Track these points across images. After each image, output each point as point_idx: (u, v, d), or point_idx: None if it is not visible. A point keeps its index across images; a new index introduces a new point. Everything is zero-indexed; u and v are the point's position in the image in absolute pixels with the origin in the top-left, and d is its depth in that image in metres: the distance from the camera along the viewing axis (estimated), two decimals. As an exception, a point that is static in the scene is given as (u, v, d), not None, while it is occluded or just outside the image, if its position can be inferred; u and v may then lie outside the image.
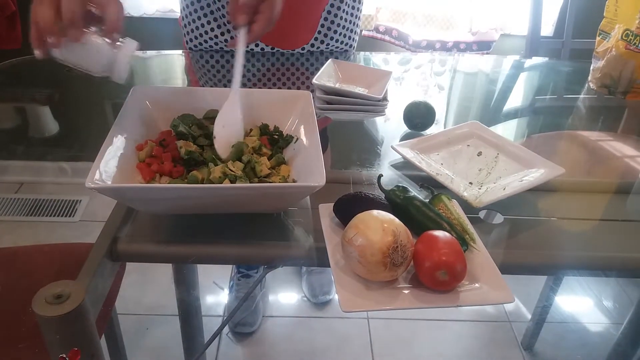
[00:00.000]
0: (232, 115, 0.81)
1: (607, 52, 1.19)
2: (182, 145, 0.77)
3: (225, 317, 1.71)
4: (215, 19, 1.22)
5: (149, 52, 1.41)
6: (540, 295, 1.62)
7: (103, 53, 0.75)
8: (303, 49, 1.28)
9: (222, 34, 1.23)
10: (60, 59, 0.75)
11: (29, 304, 0.56)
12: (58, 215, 2.04)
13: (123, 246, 0.71)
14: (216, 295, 1.78)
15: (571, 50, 1.76)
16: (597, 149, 1.06)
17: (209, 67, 1.26)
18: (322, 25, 1.25)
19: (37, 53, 0.73)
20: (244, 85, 1.14)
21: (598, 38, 1.23)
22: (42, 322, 0.56)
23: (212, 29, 1.23)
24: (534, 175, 0.83)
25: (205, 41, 1.26)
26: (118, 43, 0.75)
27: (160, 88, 0.91)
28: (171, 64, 1.39)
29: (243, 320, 1.65)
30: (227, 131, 0.80)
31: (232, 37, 1.23)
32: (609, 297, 1.87)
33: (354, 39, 1.35)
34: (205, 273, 1.80)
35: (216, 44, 1.26)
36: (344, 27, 1.28)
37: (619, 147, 1.06)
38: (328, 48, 1.30)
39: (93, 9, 0.72)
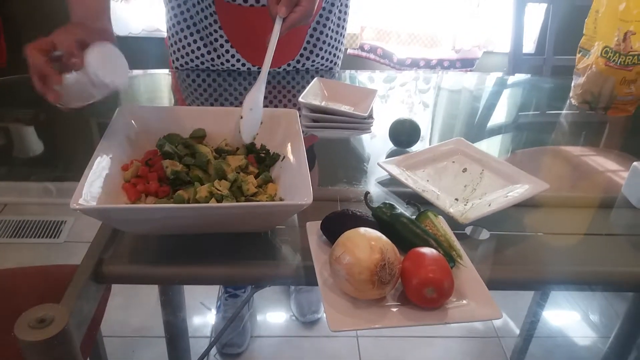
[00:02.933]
0: (258, 100, 0.84)
1: (588, 69, 1.21)
2: (168, 164, 0.77)
3: (212, 338, 1.69)
4: (201, 38, 1.22)
5: (135, 72, 1.41)
6: (528, 310, 1.62)
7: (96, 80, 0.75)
8: (289, 65, 1.28)
9: (209, 52, 1.24)
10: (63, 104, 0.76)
11: (12, 328, 0.55)
12: (43, 237, 2.02)
13: (108, 268, 0.70)
14: (203, 316, 1.75)
15: (552, 66, 1.79)
16: (580, 164, 1.07)
17: (195, 86, 1.26)
18: (308, 42, 1.26)
19: (51, 100, 0.74)
20: (230, 104, 1.15)
21: (578, 55, 1.25)
22: (24, 347, 0.55)
23: (198, 48, 1.24)
24: (519, 191, 0.84)
25: (192, 60, 1.26)
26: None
27: (146, 107, 0.91)
28: (157, 83, 1.39)
29: (231, 341, 1.63)
30: (253, 114, 0.82)
31: (218, 57, 1.23)
32: (596, 311, 1.88)
33: (338, 56, 1.36)
34: (192, 293, 1.78)
35: (202, 63, 1.26)
36: (329, 44, 1.30)
37: (602, 162, 1.08)
38: (313, 66, 1.31)
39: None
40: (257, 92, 0.84)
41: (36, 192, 1.88)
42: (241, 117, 0.83)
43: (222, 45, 1.21)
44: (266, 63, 0.86)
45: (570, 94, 1.29)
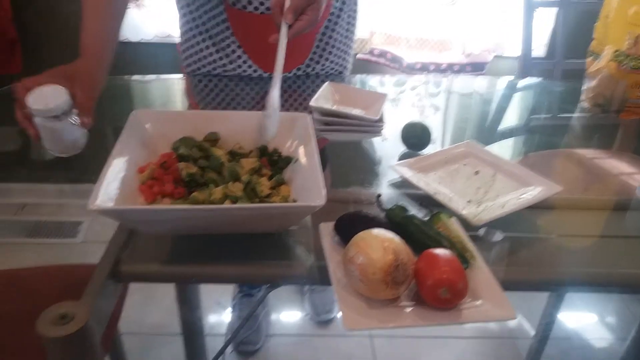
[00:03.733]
0: (278, 99, 0.87)
1: (599, 73, 1.21)
2: (184, 167, 0.79)
3: (228, 336, 1.70)
4: (214, 44, 1.24)
5: (148, 77, 1.43)
6: (543, 311, 1.62)
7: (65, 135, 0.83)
8: (298, 69, 1.30)
9: (221, 58, 1.25)
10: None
11: (33, 325, 0.56)
12: (60, 237, 2.04)
13: (126, 267, 0.71)
14: (219, 314, 1.77)
15: (563, 70, 1.78)
16: (593, 166, 1.07)
17: (207, 90, 1.28)
18: (317, 47, 1.27)
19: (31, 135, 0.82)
20: (242, 108, 1.16)
21: (589, 59, 1.26)
22: (47, 343, 0.56)
23: (210, 54, 1.25)
24: (532, 193, 0.84)
25: (204, 66, 1.28)
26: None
27: (160, 112, 0.93)
28: (170, 88, 1.41)
29: (246, 339, 1.64)
30: (276, 113, 0.86)
31: (230, 62, 1.25)
32: (613, 313, 1.87)
33: (348, 60, 1.37)
34: (208, 292, 1.79)
35: (214, 68, 1.27)
36: (338, 48, 1.31)
37: (615, 164, 1.07)
38: (323, 70, 1.32)
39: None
40: (277, 92, 0.87)
41: (54, 193, 1.91)
42: (265, 116, 0.85)
43: (234, 51, 1.23)
44: (279, 65, 0.89)
45: (582, 97, 1.29)
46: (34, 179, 1.26)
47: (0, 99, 1.22)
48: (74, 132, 0.84)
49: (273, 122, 0.86)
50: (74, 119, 0.83)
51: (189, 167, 0.79)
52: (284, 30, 0.89)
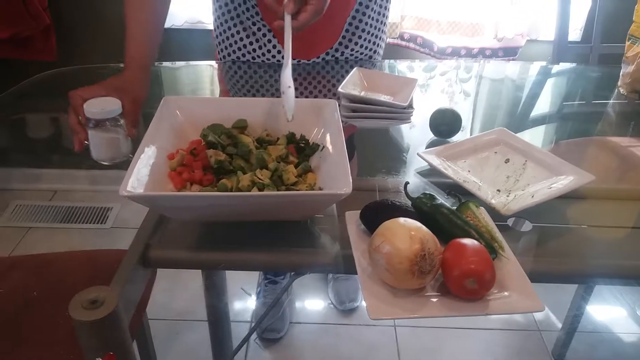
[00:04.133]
0: (289, 78, 0.85)
1: (638, 57, 1.17)
2: (212, 154, 0.79)
3: (253, 323, 1.72)
4: (244, 29, 1.24)
5: (178, 63, 1.44)
6: (571, 304, 1.59)
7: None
8: (327, 54, 1.28)
9: (251, 43, 1.25)
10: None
11: (64, 308, 0.58)
12: (90, 222, 2.09)
13: (155, 253, 0.73)
14: (244, 301, 1.79)
15: (600, 55, 1.73)
16: (628, 155, 1.04)
17: (237, 77, 1.28)
18: (347, 31, 1.26)
19: (76, 146, 0.90)
20: (271, 95, 1.16)
21: (627, 43, 1.21)
22: (78, 327, 0.58)
23: (241, 39, 1.25)
24: (563, 182, 0.82)
25: (234, 51, 1.28)
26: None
27: (191, 98, 0.94)
28: (200, 75, 1.42)
29: (271, 327, 1.66)
30: (290, 91, 0.83)
31: (259, 47, 1.25)
32: (643, 307, 1.83)
33: (379, 45, 1.35)
34: (234, 279, 1.82)
35: (244, 55, 1.28)
36: (369, 32, 1.29)
37: (651, 153, 1.04)
38: (352, 55, 1.31)
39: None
40: (289, 71, 0.85)
41: (84, 180, 1.96)
42: (283, 93, 0.84)
43: (264, 35, 1.23)
44: (287, 49, 0.88)
45: (619, 83, 1.25)
46: (66, 166, 1.29)
47: (35, 86, 1.24)
48: (122, 141, 0.90)
49: (289, 102, 0.84)
50: (123, 129, 0.90)
51: (217, 155, 0.80)
52: (287, 19, 0.87)
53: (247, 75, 1.27)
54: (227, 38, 1.27)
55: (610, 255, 0.77)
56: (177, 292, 1.79)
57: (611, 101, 1.28)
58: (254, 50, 1.26)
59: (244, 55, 1.28)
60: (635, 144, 1.08)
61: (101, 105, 0.87)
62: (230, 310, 1.73)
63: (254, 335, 1.66)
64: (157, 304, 1.75)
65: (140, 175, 0.70)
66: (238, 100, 0.96)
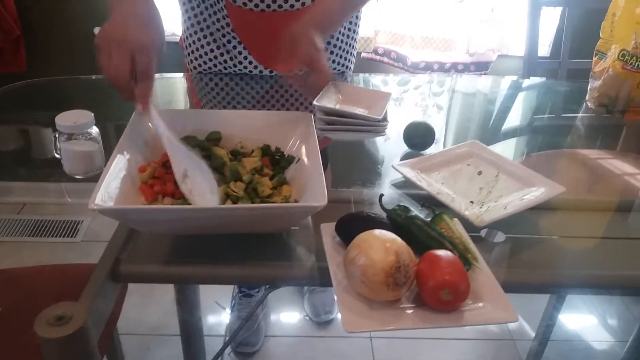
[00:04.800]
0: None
1: (604, 72, 1.20)
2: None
3: (227, 337, 1.70)
4: (214, 41, 1.23)
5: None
6: (544, 313, 1.61)
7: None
8: (300, 70, 1.29)
9: (222, 54, 1.25)
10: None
11: (32, 325, 0.56)
12: (60, 236, 2.04)
13: (125, 267, 0.71)
14: (218, 315, 1.77)
15: (568, 70, 1.77)
16: (596, 167, 1.06)
17: (208, 89, 1.27)
18: None
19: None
20: (242, 107, 1.16)
21: (595, 58, 1.25)
22: (43, 344, 0.56)
23: (212, 50, 1.25)
24: (535, 194, 0.83)
25: (205, 62, 1.27)
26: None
27: (162, 110, 0.92)
28: (173, 87, 1.41)
29: (245, 340, 1.64)
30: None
31: (231, 58, 1.24)
32: (613, 315, 1.86)
33: (350, 60, 1.36)
34: (207, 293, 1.79)
35: (215, 65, 1.27)
36: (340, 47, 1.30)
37: (619, 165, 1.07)
38: None
39: None
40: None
41: (54, 193, 1.91)
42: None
43: (234, 47, 1.22)
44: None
45: (587, 97, 1.28)
46: (35, 178, 1.26)
47: (4, 97, 1.22)
48: (96, 154, 0.89)
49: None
50: (97, 142, 0.89)
51: None
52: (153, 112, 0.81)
53: (218, 87, 1.26)
54: (197, 49, 1.26)
55: (581, 265, 0.78)
56: (149, 307, 1.76)
57: (580, 115, 1.31)
58: (225, 61, 1.25)
59: (215, 65, 1.27)
60: (604, 156, 1.11)
61: (74, 119, 0.86)
62: (204, 324, 1.70)
63: (228, 350, 1.64)
64: (129, 319, 1.71)
65: (110, 188, 0.68)
66: (211, 112, 0.96)
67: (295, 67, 0.90)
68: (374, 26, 2.24)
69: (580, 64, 1.73)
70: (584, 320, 1.86)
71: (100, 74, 0.79)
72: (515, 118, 1.32)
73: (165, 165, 0.80)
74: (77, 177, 0.89)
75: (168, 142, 0.77)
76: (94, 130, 0.89)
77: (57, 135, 0.88)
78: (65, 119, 0.86)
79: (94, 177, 0.86)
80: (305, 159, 0.82)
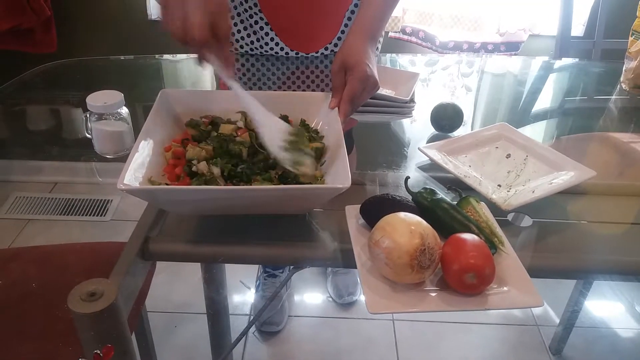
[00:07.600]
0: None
1: (640, 53, 1.16)
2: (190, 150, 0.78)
3: (252, 316, 1.73)
4: (242, 21, 1.23)
5: (179, 56, 1.44)
6: (570, 299, 1.59)
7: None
8: (326, 48, 1.28)
9: (249, 35, 1.24)
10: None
11: (63, 301, 0.57)
12: (90, 215, 2.09)
13: (154, 246, 0.72)
14: (243, 294, 1.79)
15: (602, 50, 1.72)
16: (629, 151, 1.04)
17: (235, 70, 1.27)
18: (346, 25, 1.25)
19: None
20: (268, 88, 1.16)
21: (631, 38, 1.21)
22: (76, 319, 0.57)
23: (238, 31, 1.24)
24: (564, 178, 0.82)
25: (235, 44, 1.27)
26: None
27: (187, 91, 0.93)
28: (200, 68, 1.41)
29: (269, 320, 1.66)
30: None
31: (257, 39, 1.24)
32: (641, 303, 1.83)
33: (378, 40, 1.34)
34: (233, 272, 1.82)
35: (242, 46, 1.27)
36: None
37: (653, 149, 1.04)
38: None
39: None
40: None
41: (84, 172, 1.95)
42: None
43: (262, 28, 1.22)
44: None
45: (621, 79, 1.24)
46: (66, 158, 1.28)
47: (36, 77, 1.24)
48: (126, 134, 0.91)
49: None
50: (126, 121, 0.91)
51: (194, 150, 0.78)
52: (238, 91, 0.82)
53: (244, 68, 1.26)
54: None
55: (609, 251, 0.77)
56: (176, 285, 1.79)
57: (613, 97, 1.27)
58: (252, 42, 1.25)
59: (241, 47, 1.27)
60: (637, 140, 1.08)
61: (104, 99, 0.88)
62: (229, 303, 1.73)
63: (252, 328, 1.67)
64: (156, 297, 1.75)
65: (138, 168, 0.70)
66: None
67: (346, 99, 0.86)
68: (401, 5, 2.20)
69: (616, 44, 1.67)
70: (610, 307, 1.83)
71: (167, 30, 0.74)
72: (545, 100, 1.29)
73: (183, 143, 0.80)
74: (108, 156, 0.91)
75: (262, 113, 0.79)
76: (124, 110, 0.91)
77: (87, 115, 0.90)
78: (96, 99, 0.88)
79: (124, 157, 0.87)
80: (329, 140, 0.82)
